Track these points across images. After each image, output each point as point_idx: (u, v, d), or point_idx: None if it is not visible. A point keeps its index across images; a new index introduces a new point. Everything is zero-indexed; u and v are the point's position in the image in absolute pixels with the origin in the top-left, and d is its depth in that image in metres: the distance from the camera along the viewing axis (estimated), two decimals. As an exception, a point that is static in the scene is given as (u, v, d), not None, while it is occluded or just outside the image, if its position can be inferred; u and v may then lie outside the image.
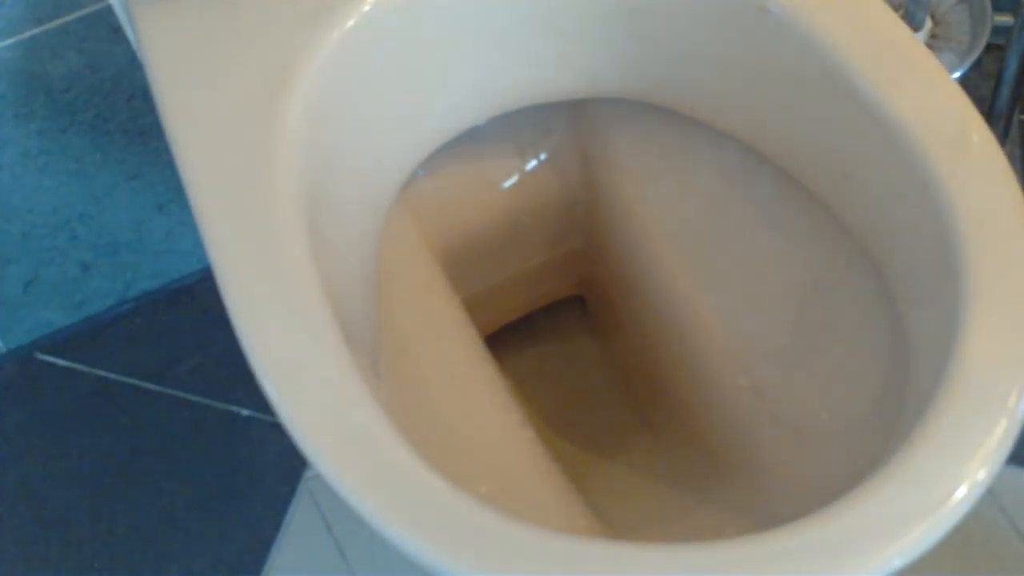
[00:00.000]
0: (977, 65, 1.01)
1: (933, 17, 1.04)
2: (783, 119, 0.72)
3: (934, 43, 1.03)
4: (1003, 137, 1.06)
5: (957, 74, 1.00)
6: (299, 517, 1.02)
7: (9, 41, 0.88)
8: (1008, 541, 0.96)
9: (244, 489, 1.05)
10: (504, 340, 0.96)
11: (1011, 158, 1.08)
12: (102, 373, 1.11)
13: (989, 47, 1.01)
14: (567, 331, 1.03)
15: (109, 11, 0.89)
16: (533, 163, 0.91)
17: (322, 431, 0.56)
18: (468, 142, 0.85)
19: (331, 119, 0.69)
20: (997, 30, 1.02)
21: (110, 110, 0.96)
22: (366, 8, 0.69)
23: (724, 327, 0.82)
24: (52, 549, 1.03)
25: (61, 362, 1.12)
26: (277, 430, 1.05)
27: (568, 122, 0.90)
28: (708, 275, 0.83)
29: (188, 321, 1.13)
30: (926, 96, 0.64)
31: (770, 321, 0.80)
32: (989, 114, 1.03)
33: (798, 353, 0.78)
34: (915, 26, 1.02)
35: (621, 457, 0.93)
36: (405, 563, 0.53)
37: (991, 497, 0.97)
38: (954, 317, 0.57)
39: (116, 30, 0.91)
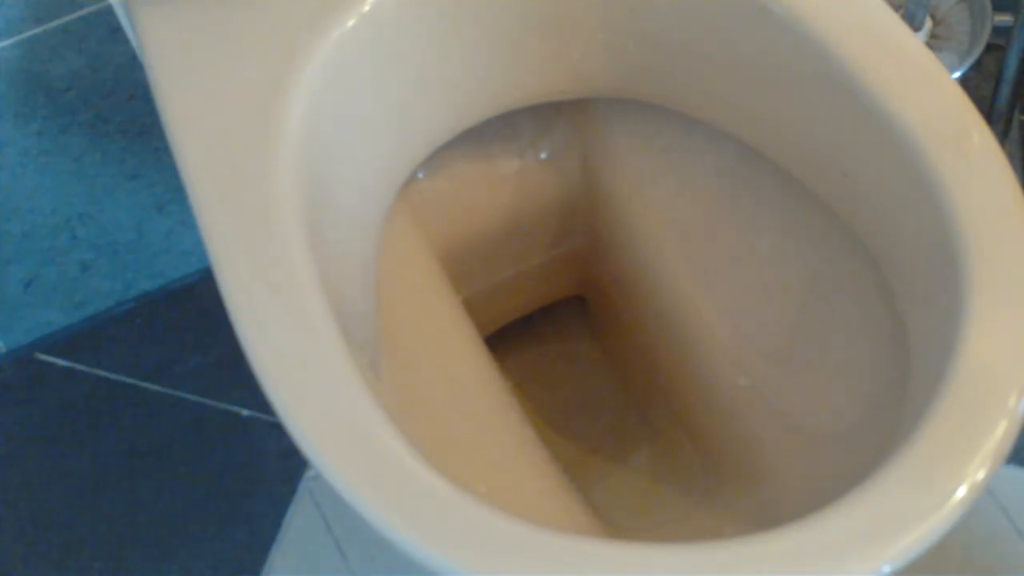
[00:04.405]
0: (977, 65, 1.01)
1: (933, 17, 1.04)
2: (783, 118, 0.72)
3: (934, 43, 1.03)
4: (1003, 137, 1.06)
5: (957, 74, 1.00)
6: (299, 517, 1.02)
7: (9, 41, 0.88)
8: (1008, 541, 0.96)
9: (244, 489, 1.04)
10: (504, 340, 0.96)
11: (1011, 158, 1.08)
12: (102, 373, 1.11)
13: (989, 47, 1.01)
14: (567, 331, 1.03)
15: (109, 11, 0.89)
16: (533, 163, 0.91)
17: (322, 431, 0.56)
18: (468, 142, 0.85)
19: (331, 119, 0.69)
20: (997, 30, 1.02)
21: (110, 110, 0.96)
22: (366, 8, 0.69)
23: (724, 327, 0.82)
24: (52, 549, 1.03)
25: (61, 362, 1.12)
26: (277, 430, 1.05)
27: (568, 122, 0.90)
28: (708, 275, 0.83)
29: (188, 321, 1.13)
30: (926, 96, 0.63)
31: (770, 321, 0.80)
32: (989, 114, 1.03)
33: (798, 353, 0.78)
34: (915, 26, 1.01)
35: (621, 457, 0.93)
36: (405, 563, 0.53)
37: (991, 497, 0.97)
38: (954, 317, 0.57)
39: (116, 30, 0.91)
